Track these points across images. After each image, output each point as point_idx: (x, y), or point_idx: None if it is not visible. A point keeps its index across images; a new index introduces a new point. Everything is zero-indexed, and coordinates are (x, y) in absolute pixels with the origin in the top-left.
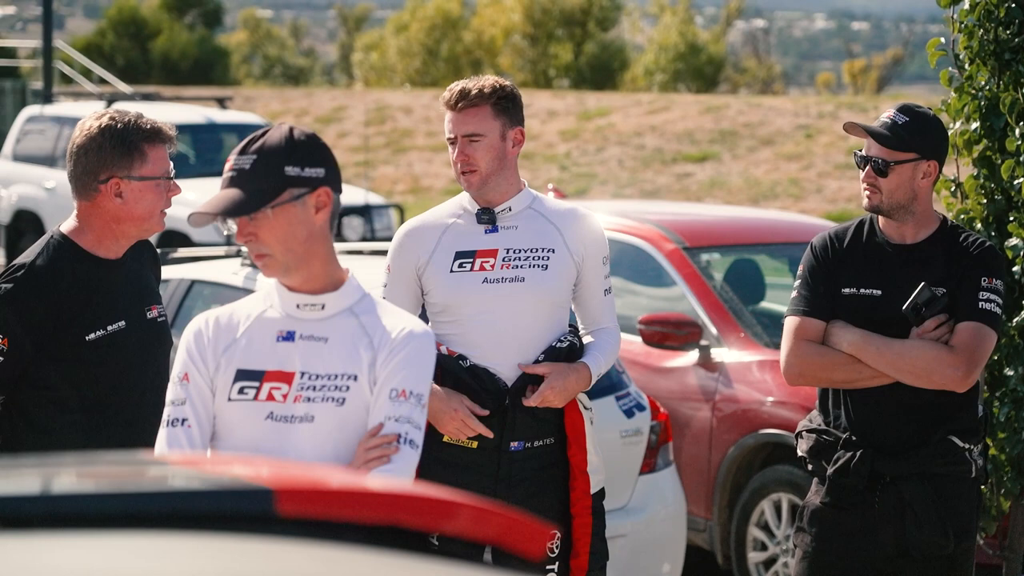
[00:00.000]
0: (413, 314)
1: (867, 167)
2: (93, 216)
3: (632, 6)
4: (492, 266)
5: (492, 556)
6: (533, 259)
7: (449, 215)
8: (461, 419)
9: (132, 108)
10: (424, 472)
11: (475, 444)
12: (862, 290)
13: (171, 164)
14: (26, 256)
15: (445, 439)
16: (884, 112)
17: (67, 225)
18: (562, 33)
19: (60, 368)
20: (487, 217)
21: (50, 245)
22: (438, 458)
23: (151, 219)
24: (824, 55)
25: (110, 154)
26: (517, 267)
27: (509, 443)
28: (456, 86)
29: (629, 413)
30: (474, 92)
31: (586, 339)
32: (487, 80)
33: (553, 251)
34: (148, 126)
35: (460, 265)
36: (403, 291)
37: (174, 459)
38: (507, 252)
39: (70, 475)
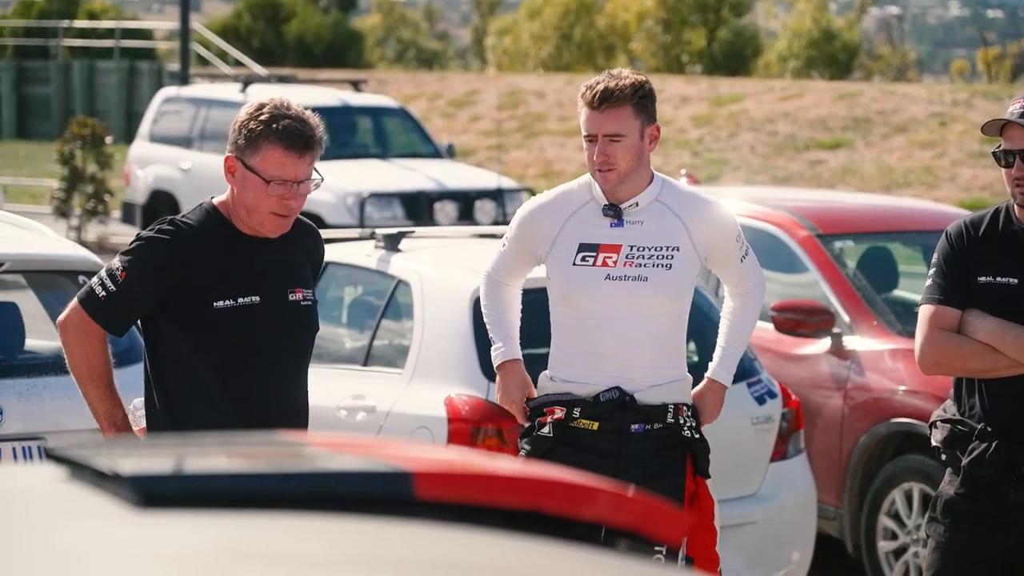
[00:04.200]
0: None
1: (1016, 160)
2: (231, 190)
3: None
4: (615, 263)
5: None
6: (657, 258)
7: (575, 200)
8: (518, 410)
9: (289, 97)
10: (550, 454)
11: (595, 426)
12: (998, 279)
13: (296, 175)
14: (177, 215)
15: (570, 424)
16: (1014, 104)
17: (220, 196)
18: (695, 19)
19: (190, 336)
20: (613, 212)
21: (200, 209)
22: (561, 440)
23: (256, 213)
24: (958, 43)
25: (239, 133)
26: (641, 265)
27: (630, 425)
28: (598, 85)
29: (760, 400)
30: (616, 92)
31: (724, 309)
32: (627, 78)
33: (678, 249)
34: (279, 126)
35: (583, 258)
36: (517, 265)
37: (313, 440)
38: (631, 249)
39: (208, 454)
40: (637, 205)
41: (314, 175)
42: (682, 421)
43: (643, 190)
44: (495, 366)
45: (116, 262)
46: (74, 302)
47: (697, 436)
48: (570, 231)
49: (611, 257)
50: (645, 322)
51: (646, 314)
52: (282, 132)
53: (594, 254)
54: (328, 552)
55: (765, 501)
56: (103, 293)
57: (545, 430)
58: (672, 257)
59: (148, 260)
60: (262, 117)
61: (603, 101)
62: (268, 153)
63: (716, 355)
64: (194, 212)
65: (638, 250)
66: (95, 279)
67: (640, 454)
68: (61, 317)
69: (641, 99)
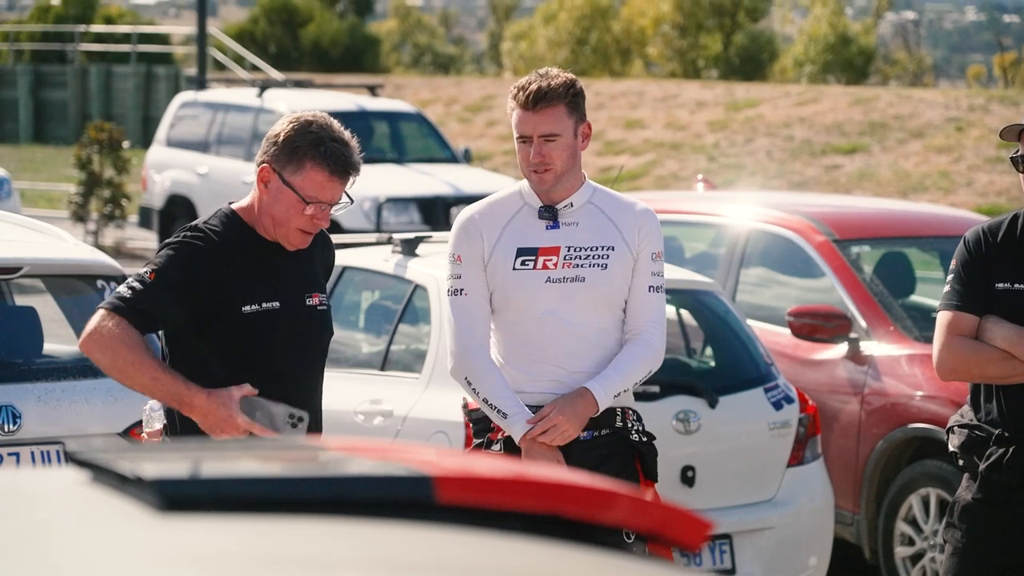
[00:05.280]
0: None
1: None
2: (257, 198)
3: None
4: (555, 264)
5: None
6: (593, 258)
7: (510, 206)
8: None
9: (327, 115)
10: None
11: None
12: (1016, 285)
13: (333, 198)
14: (198, 221)
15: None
16: None
17: (239, 202)
18: (712, 23)
19: (214, 343)
20: (549, 213)
21: (220, 214)
22: (509, 451)
23: (283, 227)
24: (974, 48)
25: (280, 147)
26: (578, 266)
27: (578, 433)
28: (531, 85)
29: (778, 405)
30: (549, 92)
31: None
32: (557, 77)
33: (613, 248)
34: (326, 150)
35: (523, 263)
36: (479, 277)
37: (333, 444)
38: (568, 250)
39: (229, 458)
40: (572, 205)
41: (343, 198)
42: (630, 425)
43: (577, 190)
44: (517, 439)
45: (142, 269)
46: (98, 312)
47: (645, 439)
48: (508, 236)
49: (551, 259)
50: (586, 324)
51: (586, 316)
52: (329, 156)
53: (533, 258)
54: (349, 556)
55: (782, 506)
56: (129, 294)
57: (496, 447)
58: (607, 257)
59: (177, 264)
60: (309, 137)
61: (537, 101)
62: (312, 174)
63: (601, 375)
64: (215, 218)
65: (575, 250)
66: (121, 287)
67: (588, 461)
68: (83, 336)
69: (573, 97)
